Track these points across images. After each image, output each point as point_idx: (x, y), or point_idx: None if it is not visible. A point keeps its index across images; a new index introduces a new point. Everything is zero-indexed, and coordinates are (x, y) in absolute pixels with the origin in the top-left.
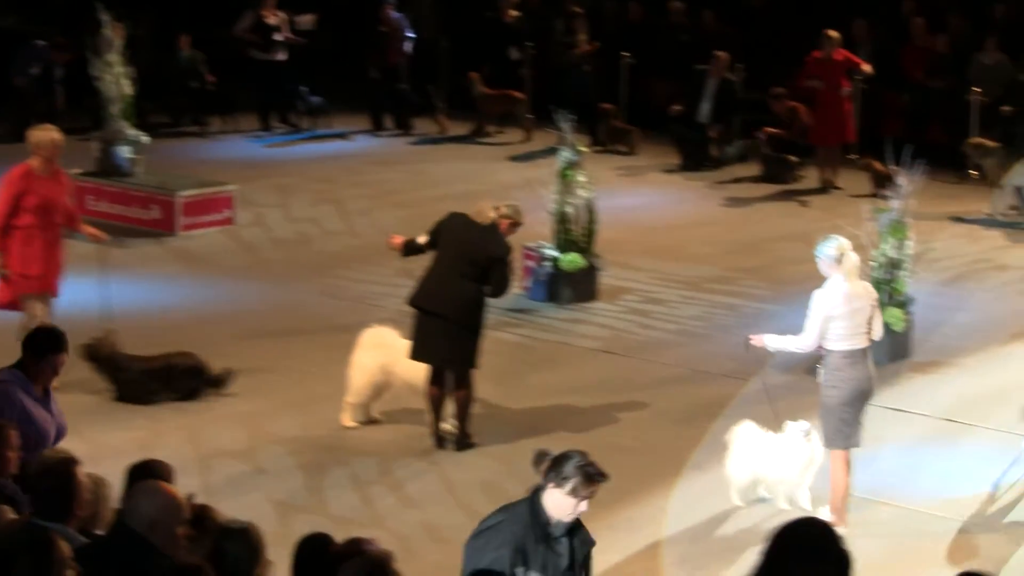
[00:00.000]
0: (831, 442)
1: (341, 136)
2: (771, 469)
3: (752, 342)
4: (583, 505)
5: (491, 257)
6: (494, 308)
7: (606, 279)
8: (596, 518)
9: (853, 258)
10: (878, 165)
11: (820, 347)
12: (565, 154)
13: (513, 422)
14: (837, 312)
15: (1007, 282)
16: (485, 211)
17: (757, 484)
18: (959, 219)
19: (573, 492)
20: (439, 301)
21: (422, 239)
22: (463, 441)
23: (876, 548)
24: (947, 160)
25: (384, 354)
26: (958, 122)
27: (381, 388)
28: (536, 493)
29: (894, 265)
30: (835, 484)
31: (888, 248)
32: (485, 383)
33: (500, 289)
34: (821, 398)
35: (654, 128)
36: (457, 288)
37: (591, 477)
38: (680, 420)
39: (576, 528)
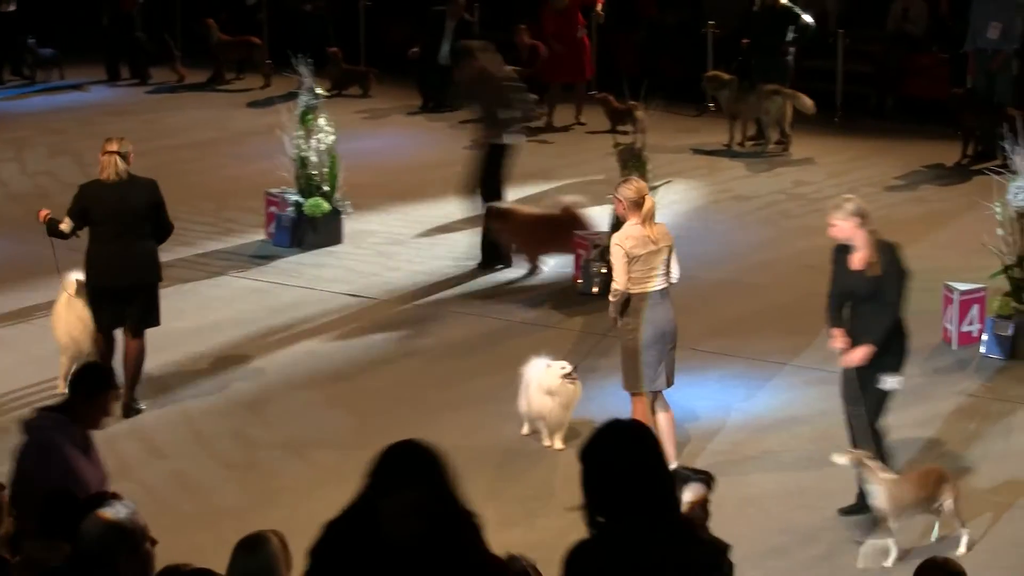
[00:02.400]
0: (632, 385)
1: (76, 87)
2: (537, 405)
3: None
4: None
5: (156, 204)
6: (239, 255)
7: (350, 223)
8: (352, 461)
9: (651, 202)
10: (614, 101)
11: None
12: (304, 99)
13: (260, 370)
14: (636, 253)
15: (747, 212)
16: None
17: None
18: (698, 151)
19: None
20: (123, 272)
21: (65, 225)
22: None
23: None
24: (685, 94)
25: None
26: (695, 56)
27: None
28: None
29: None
30: None
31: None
32: (232, 330)
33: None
34: (622, 341)
35: (395, 70)
36: (136, 250)
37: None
38: (432, 359)
39: None
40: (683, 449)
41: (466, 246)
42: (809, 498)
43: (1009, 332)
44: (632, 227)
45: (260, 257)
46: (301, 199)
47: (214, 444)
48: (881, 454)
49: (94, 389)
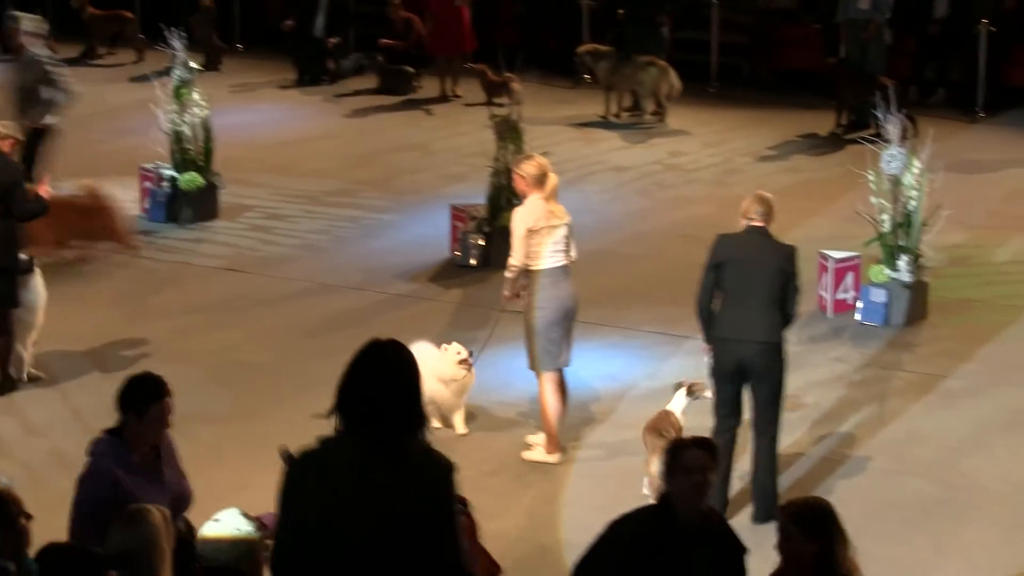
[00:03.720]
0: (542, 364)
1: None
2: (428, 391)
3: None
4: None
5: (12, 183)
6: None
7: (226, 197)
8: (232, 437)
9: (554, 179)
10: (491, 73)
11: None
12: (178, 73)
13: (137, 345)
14: (538, 228)
15: (623, 183)
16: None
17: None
18: (575, 123)
19: None
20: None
21: None
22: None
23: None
24: (562, 66)
25: None
26: (571, 28)
27: None
28: None
29: (511, 170)
30: (547, 409)
31: (506, 154)
32: (106, 307)
33: (26, 213)
34: (527, 320)
35: (269, 44)
36: None
37: None
38: (311, 333)
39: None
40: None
41: (341, 219)
42: None
43: (883, 299)
44: (535, 202)
45: (135, 232)
46: (176, 174)
47: (91, 421)
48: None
49: (144, 402)
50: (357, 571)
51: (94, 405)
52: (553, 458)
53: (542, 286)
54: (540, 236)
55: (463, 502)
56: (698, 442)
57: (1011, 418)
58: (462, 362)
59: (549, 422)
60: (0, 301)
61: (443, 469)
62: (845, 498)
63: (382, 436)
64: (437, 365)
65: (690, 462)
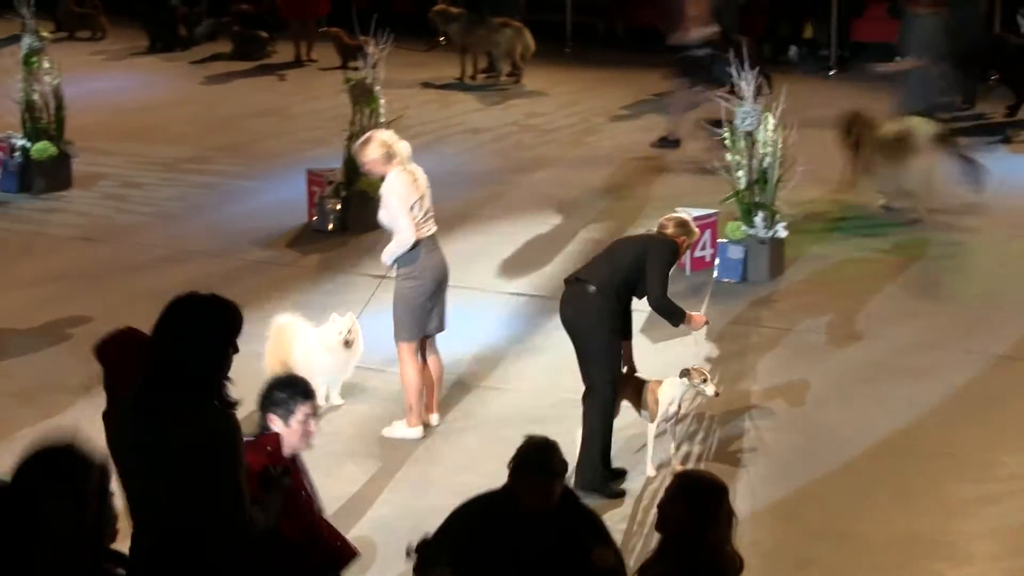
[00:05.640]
0: (408, 335)
1: None
2: (306, 363)
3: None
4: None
5: None
6: None
7: (80, 166)
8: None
9: (404, 146)
10: (346, 37)
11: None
12: (28, 41)
13: None
14: (413, 199)
15: (480, 144)
16: None
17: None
18: (430, 85)
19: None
20: None
21: None
22: None
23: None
24: (415, 29)
25: None
26: None
27: None
28: None
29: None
30: (408, 380)
31: (362, 118)
32: None
33: None
34: (398, 291)
35: (122, 11)
36: None
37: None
38: (166, 300)
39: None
40: None
41: (198, 186)
42: (547, 425)
43: (740, 256)
44: (400, 175)
45: None
46: (28, 143)
47: None
48: None
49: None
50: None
51: None
52: (415, 432)
53: (416, 256)
54: (412, 209)
55: (287, 470)
56: (550, 447)
57: (868, 371)
58: (346, 343)
59: (410, 393)
60: None
61: (211, 430)
62: (703, 452)
63: (150, 389)
64: (324, 335)
65: (542, 464)
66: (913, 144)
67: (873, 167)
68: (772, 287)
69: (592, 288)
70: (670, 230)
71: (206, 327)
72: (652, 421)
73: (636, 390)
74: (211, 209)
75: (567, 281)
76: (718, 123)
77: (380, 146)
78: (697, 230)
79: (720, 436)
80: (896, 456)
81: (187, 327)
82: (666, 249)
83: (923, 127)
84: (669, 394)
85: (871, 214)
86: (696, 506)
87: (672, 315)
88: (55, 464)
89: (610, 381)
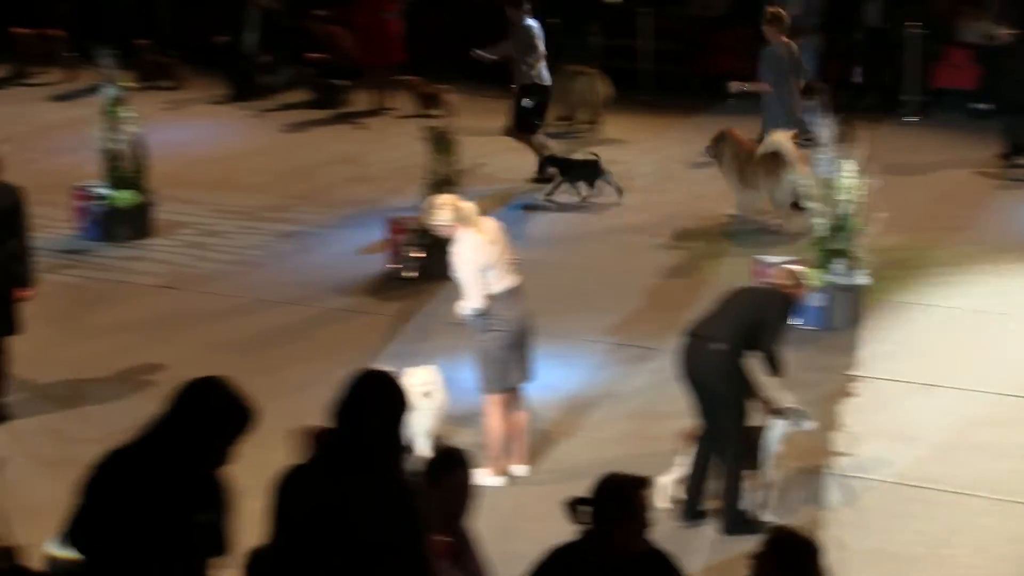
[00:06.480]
0: (490, 387)
1: None
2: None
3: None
4: None
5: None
6: (48, 251)
7: (161, 214)
8: None
9: (469, 207)
10: (422, 85)
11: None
12: (109, 91)
13: (74, 365)
14: (486, 261)
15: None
16: None
17: None
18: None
19: None
20: None
21: None
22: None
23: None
24: (493, 76)
25: None
26: (502, 38)
27: None
28: None
29: (445, 181)
30: (491, 430)
31: (441, 166)
32: (41, 326)
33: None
34: (479, 343)
35: (200, 60)
36: None
37: None
38: (250, 348)
39: None
40: None
41: (277, 234)
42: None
43: (820, 302)
44: (471, 238)
45: (70, 252)
46: (110, 192)
47: (28, 441)
48: None
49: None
50: None
51: (31, 425)
52: (496, 481)
53: (496, 308)
54: (490, 267)
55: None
56: (642, 482)
57: (948, 419)
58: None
59: (493, 444)
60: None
61: (399, 497)
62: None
63: (353, 462)
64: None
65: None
66: (784, 159)
67: (752, 182)
68: (852, 334)
69: (721, 346)
70: (784, 283)
71: (387, 404)
72: (765, 467)
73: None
74: (290, 257)
75: (690, 336)
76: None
77: (449, 210)
78: (805, 281)
79: (808, 486)
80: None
81: (371, 402)
82: (785, 304)
83: (787, 142)
84: (773, 436)
85: (950, 261)
86: (788, 565)
87: (777, 366)
88: None
89: (739, 431)
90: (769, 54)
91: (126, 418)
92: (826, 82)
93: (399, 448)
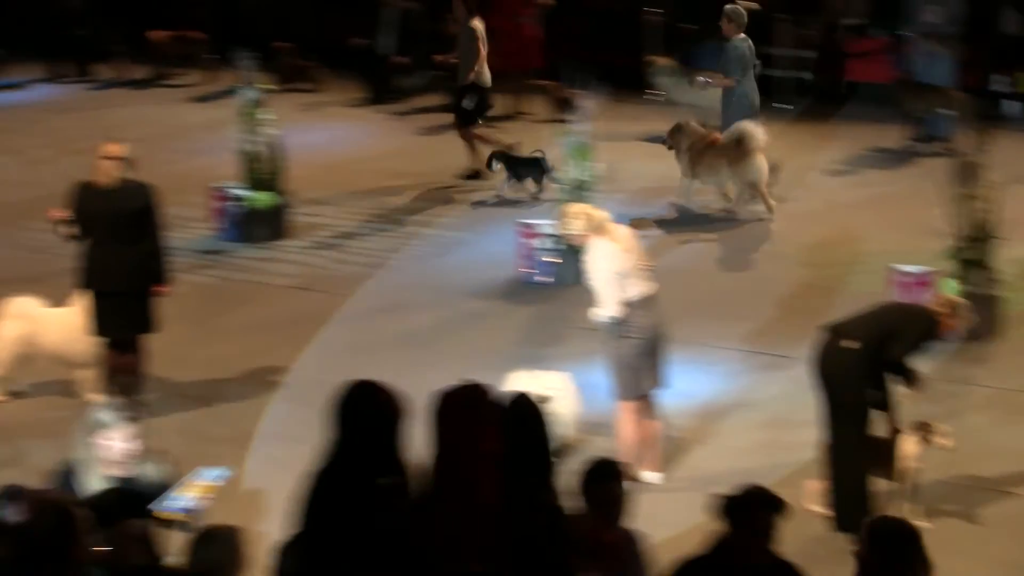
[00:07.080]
0: (624, 394)
1: (16, 86)
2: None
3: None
4: None
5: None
6: (186, 251)
7: (298, 216)
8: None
9: (602, 215)
10: (559, 89)
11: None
12: (248, 93)
13: (209, 362)
14: (621, 268)
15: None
16: (108, 169)
17: None
18: (644, 139)
19: None
20: (110, 277)
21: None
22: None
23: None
24: (630, 81)
25: (26, 325)
26: (636, 43)
27: (24, 360)
28: None
29: (581, 187)
30: (623, 437)
31: (575, 170)
32: (178, 325)
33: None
34: (613, 350)
35: (337, 63)
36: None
37: None
38: (386, 351)
39: None
40: None
41: (412, 237)
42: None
43: None
44: (605, 246)
45: (208, 252)
46: (247, 193)
47: (164, 439)
48: None
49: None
50: None
51: (167, 423)
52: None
53: (632, 316)
54: (625, 274)
55: None
56: (769, 500)
57: None
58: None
59: (627, 450)
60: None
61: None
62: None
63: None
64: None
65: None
66: (750, 145)
67: (708, 171)
68: (989, 346)
69: (852, 344)
70: (939, 308)
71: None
72: (904, 483)
73: (884, 455)
74: (424, 260)
75: (825, 332)
76: None
77: (584, 216)
78: (968, 316)
79: (944, 497)
80: None
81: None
82: (930, 326)
83: (754, 130)
84: (911, 453)
85: None
86: (891, 552)
87: (910, 378)
88: None
89: (860, 436)
90: (732, 50)
91: (261, 418)
92: (965, 90)
93: (398, 456)
